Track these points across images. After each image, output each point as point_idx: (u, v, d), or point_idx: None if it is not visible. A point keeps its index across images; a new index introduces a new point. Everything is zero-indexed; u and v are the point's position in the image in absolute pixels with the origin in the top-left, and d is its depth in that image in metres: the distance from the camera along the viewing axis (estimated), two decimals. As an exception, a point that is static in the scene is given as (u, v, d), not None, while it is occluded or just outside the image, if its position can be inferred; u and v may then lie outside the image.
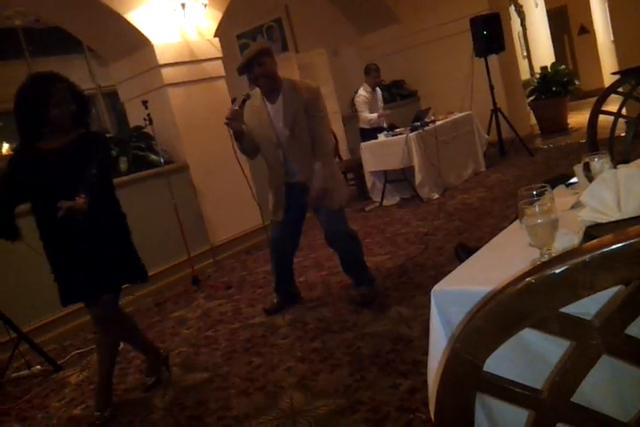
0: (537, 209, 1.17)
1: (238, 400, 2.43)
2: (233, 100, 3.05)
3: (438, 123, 5.81)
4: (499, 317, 0.71)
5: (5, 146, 9.90)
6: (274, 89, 3.00)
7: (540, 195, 1.19)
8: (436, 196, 5.40)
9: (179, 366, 2.93)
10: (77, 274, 2.43)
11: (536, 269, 0.66)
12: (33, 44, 9.27)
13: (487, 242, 1.62)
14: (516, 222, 1.74)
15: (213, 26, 5.29)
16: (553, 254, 1.19)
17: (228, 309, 3.65)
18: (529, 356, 1.16)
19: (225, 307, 3.71)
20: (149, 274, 4.11)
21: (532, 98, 8.18)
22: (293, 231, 3.29)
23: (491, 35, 6.48)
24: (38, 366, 3.27)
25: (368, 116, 5.91)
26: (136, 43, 4.89)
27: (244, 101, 3.03)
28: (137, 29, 4.74)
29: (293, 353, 2.76)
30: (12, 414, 2.82)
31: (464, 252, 2.46)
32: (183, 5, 4.91)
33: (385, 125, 6.08)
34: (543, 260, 1.21)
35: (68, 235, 2.41)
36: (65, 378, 3.12)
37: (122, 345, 2.88)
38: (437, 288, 1.56)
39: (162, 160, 4.53)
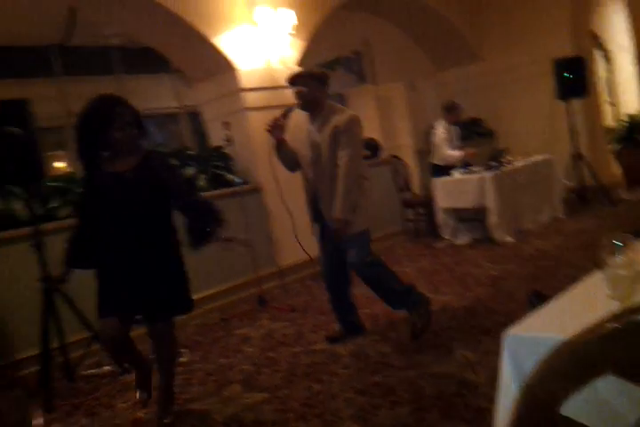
0: (619, 260, 1.15)
1: (296, 425, 2.46)
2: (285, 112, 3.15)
3: (516, 164, 5.73)
4: (581, 360, 0.71)
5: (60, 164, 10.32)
6: (312, 110, 3.12)
7: (623, 246, 1.16)
8: (510, 239, 5.29)
9: (239, 383, 3.00)
10: (141, 292, 2.47)
11: (622, 315, 0.66)
12: (124, 63, 9.88)
13: (562, 291, 1.60)
14: (597, 273, 1.71)
15: (296, 55, 5.49)
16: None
17: (291, 332, 3.70)
18: (600, 407, 1.13)
19: (288, 330, 3.76)
20: (217, 290, 4.26)
21: (616, 146, 7.92)
22: (338, 262, 3.24)
23: (574, 78, 6.35)
24: (107, 367, 3.43)
25: (449, 153, 5.85)
26: (221, 66, 5.15)
27: (286, 113, 3.12)
28: (223, 54, 5.00)
29: (353, 384, 2.76)
30: (81, 408, 2.97)
31: (538, 299, 2.40)
32: (268, 34, 5.13)
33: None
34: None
35: (135, 257, 2.44)
36: (131, 381, 3.24)
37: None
38: (510, 333, 1.55)
39: (238, 180, 4.72)
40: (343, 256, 3.18)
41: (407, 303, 3.24)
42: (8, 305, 3.56)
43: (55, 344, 3.31)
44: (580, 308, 1.47)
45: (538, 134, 6.94)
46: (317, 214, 3.22)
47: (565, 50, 6.90)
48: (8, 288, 3.59)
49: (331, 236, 3.13)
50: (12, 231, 3.70)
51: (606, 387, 0.83)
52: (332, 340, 3.39)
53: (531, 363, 1.46)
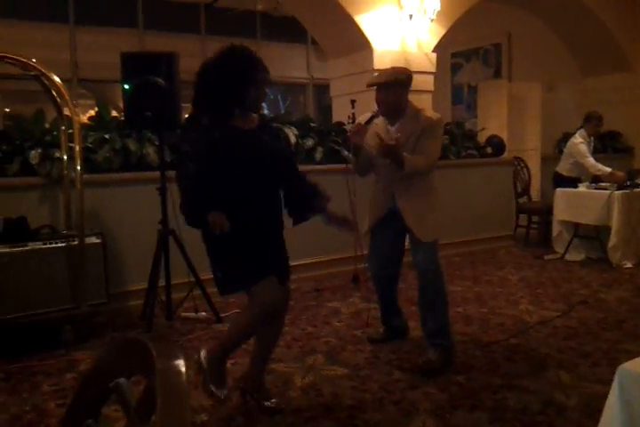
0: None
1: (372, 406, 2.48)
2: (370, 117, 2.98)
3: (651, 187, 5.31)
4: None
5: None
6: (395, 115, 2.94)
7: None
8: (629, 265, 4.93)
9: (323, 354, 3.06)
10: (280, 252, 2.47)
11: None
12: (264, 29, 10.13)
13: None
14: None
15: (434, 40, 5.36)
16: None
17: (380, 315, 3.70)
18: None
19: (377, 312, 3.75)
20: (315, 261, 4.30)
21: None
22: (392, 259, 3.12)
23: None
24: (204, 313, 3.63)
25: (597, 166, 5.47)
26: (357, 44, 5.13)
27: (371, 118, 2.94)
28: (362, 32, 4.98)
29: (435, 379, 2.73)
30: (174, 347, 3.16)
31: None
32: (411, 17, 5.04)
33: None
34: None
35: (272, 216, 2.41)
36: (223, 331, 3.40)
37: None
38: (627, 367, 1.46)
39: (353, 158, 4.72)
40: (401, 254, 3.12)
41: (442, 334, 2.97)
42: (128, 240, 3.85)
43: (161, 283, 3.55)
44: None
45: (682, 159, 6.35)
46: (390, 214, 3.02)
47: None
48: (130, 225, 3.87)
49: (401, 228, 2.98)
50: (142, 173, 3.96)
51: None
52: (372, 340, 3.25)
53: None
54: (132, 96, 3.45)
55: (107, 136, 3.93)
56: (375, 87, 2.95)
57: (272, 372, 2.82)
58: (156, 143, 3.82)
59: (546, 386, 2.64)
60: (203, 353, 2.34)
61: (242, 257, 2.32)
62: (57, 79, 3.39)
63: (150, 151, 4.03)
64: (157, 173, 3.60)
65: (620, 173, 5.34)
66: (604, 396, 1.47)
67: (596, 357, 2.96)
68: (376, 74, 3.16)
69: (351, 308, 3.90)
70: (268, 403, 2.45)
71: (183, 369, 0.77)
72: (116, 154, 3.93)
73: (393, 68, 3.06)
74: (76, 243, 3.28)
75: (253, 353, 2.51)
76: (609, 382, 1.46)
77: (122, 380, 0.87)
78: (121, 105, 3.61)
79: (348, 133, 2.98)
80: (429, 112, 2.99)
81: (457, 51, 8.94)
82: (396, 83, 2.89)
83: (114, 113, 4.61)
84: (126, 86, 3.45)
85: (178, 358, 0.79)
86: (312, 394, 2.60)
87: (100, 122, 4.10)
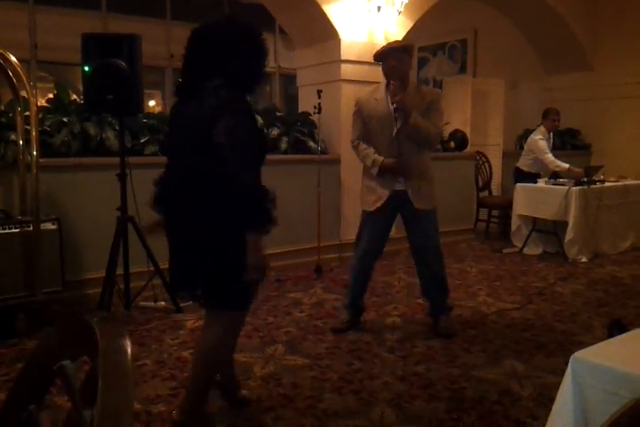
0: None
1: (331, 396, 2.48)
2: None
3: (607, 184, 5.46)
4: None
5: (152, 102, 10.59)
6: (400, 85, 2.99)
7: None
8: (584, 259, 5.07)
9: (284, 344, 3.05)
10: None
11: None
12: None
13: (627, 324, 1.51)
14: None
15: (402, 33, 5.38)
16: None
17: (342, 306, 3.71)
18: None
19: (339, 303, 3.77)
20: (278, 251, 4.27)
21: None
22: (384, 235, 3.23)
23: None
24: (163, 303, 3.57)
25: (556, 162, 5.57)
26: (325, 34, 5.12)
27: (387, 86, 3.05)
28: (330, 22, 4.97)
29: (395, 370, 2.75)
30: (132, 336, 3.10)
31: (619, 329, 2.29)
32: (379, 8, 5.05)
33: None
34: None
35: None
36: (182, 321, 3.37)
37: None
38: (580, 356, 1.49)
39: (319, 149, 4.75)
40: (386, 241, 3.25)
41: (447, 301, 3.28)
42: (85, 227, 3.75)
43: (120, 272, 3.47)
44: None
45: (637, 158, 6.55)
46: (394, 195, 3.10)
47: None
48: (88, 212, 3.77)
49: (401, 204, 3.09)
50: (100, 158, 3.86)
51: None
52: (336, 331, 3.24)
53: (594, 390, 1.40)
54: (92, 78, 3.35)
55: (65, 119, 3.82)
56: (379, 62, 3.07)
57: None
58: (117, 128, 3.72)
59: (502, 376, 2.69)
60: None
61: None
62: (14, 59, 3.26)
63: (110, 136, 3.94)
64: (117, 159, 3.51)
65: (578, 170, 5.47)
66: (558, 385, 1.50)
67: (550, 348, 3.04)
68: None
69: (313, 298, 3.90)
70: (244, 392, 2.43)
71: (128, 349, 0.74)
72: (74, 138, 3.82)
73: (396, 41, 3.17)
74: (30, 229, 3.18)
75: None
76: (562, 373, 1.49)
77: (66, 362, 0.83)
78: (81, 88, 3.50)
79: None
80: (427, 87, 3.10)
81: (424, 45, 8.99)
82: (406, 48, 3.00)
83: (73, 97, 4.47)
84: (86, 68, 3.34)
85: (122, 337, 0.76)
86: (272, 384, 2.59)
87: (58, 105, 3.97)
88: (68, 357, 0.85)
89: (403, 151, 3.04)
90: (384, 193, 3.09)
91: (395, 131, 3.03)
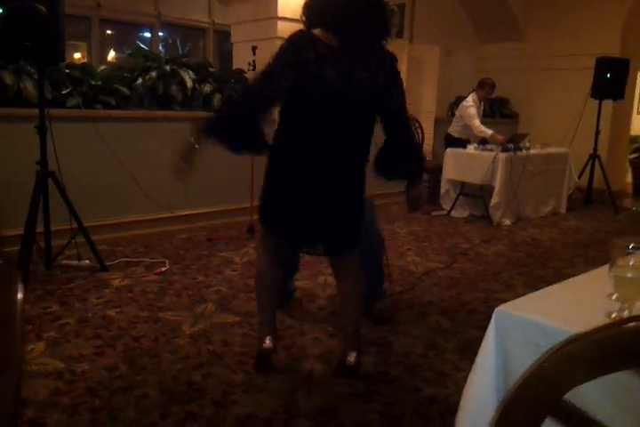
0: (631, 262, 1.14)
1: (262, 352, 2.49)
2: None
3: (532, 151, 5.67)
4: (604, 350, 0.70)
5: (112, 54, 10.12)
6: None
7: (636, 249, 1.15)
8: (508, 222, 5.28)
9: (214, 303, 3.02)
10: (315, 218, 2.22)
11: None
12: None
13: (545, 282, 1.59)
14: (602, 269, 1.70)
15: (342, -7, 5.27)
16: (633, 311, 1.17)
17: (274, 265, 3.71)
18: (627, 399, 1.12)
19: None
20: (210, 210, 4.20)
21: (635, 155, 7.85)
22: None
23: (614, 79, 6.16)
24: (87, 261, 3.44)
25: (481, 127, 5.68)
26: (262, -11, 4.95)
27: None
28: None
29: (324, 326, 2.79)
30: (54, 295, 2.98)
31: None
32: None
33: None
34: (621, 314, 1.18)
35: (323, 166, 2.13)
36: (108, 280, 3.26)
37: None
38: (503, 309, 1.54)
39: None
40: None
41: (382, 286, 3.05)
42: (1, 182, 3.52)
43: (40, 230, 3.30)
44: (576, 299, 1.47)
45: (561, 127, 6.83)
46: None
47: (612, 49, 6.70)
48: (5, 165, 3.53)
49: None
50: (18, 109, 3.61)
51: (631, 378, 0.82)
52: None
53: (516, 342, 1.46)
54: (7, 22, 3.06)
55: (-23, 67, 3.52)
56: None
57: (159, 320, 2.75)
58: (36, 77, 3.46)
59: (427, 332, 2.78)
60: None
61: (267, 193, 2.18)
62: None
63: (29, 86, 3.67)
64: (36, 111, 3.27)
65: (500, 136, 5.63)
66: (480, 339, 1.56)
67: (473, 305, 3.17)
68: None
69: (245, 258, 3.86)
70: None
71: (18, 294, 0.69)
72: (-12, 87, 3.54)
73: None
74: (-62, 182, 2.94)
75: None
76: (484, 328, 1.54)
77: None
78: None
79: None
80: None
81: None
82: None
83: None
84: (0, 10, 3.06)
85: (11, 281, 0.70)
86: (201, 342, 2.56)
87: (-32, 50, 3.64)
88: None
89: None
90: None
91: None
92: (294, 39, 2.00)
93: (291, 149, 2.12)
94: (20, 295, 0.68)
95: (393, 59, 2.11)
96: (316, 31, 2.02)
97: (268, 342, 2.31)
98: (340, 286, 2.37)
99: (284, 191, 2.13)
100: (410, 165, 2.28)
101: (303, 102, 2.06)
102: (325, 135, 2.07)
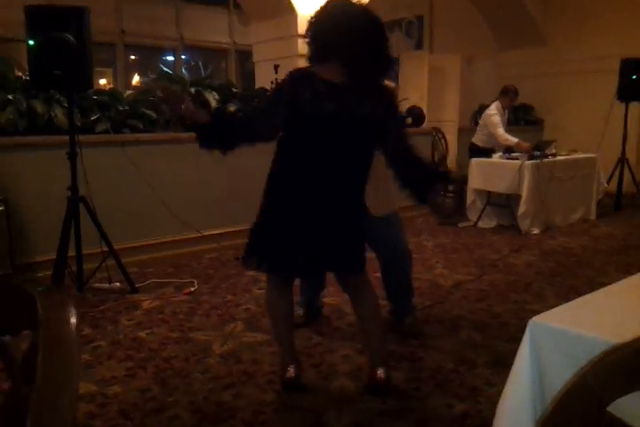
0: None
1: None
2: None
3: (558, 158, 5.59)
4: None
5: (136, 78, 10.37)
6: None
7: None
8: (536, 231, 5.21)
9: (243, 322, 3.04)
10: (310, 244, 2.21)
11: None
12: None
13: (578, 292, 1.55)
14: (637, 276, 1.66)
15: (358, 9, 5.32)
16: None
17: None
18: None
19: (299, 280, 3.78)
20: (237, 229, 4.27)
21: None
22: None
23: None
24: (118, 284, 3.50)
25: (506, 136, 5.62)
26: (282, 8, 5.03)
27: None
28: None
29: (353, 343, 2.77)
30: (86, 318, 3.04)
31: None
32: None
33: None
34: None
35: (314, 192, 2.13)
36: (138, 302, 3.32)
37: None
38: (537, 321, 1.52)
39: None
40: None
41: (411, 303, 3.02)
42: (34, 208, 3.62)
43: (72, 253, 3.38)
44: (612, 308, 1.43)
45: (588, 132, 6.74)
46: None
47: (637, 50, 6.59)
48: (37, 192, 3.64)
49: None
50: (49, 137, 3.72)
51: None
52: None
53: (551, 354, 1.43)
54: (37, 53, 3.19)
55: (10, 97, 3.65)
56: None
57: (189, 340, 2.78)
58: (65, 105, 3.58)
59: (458, 346, 2.75)
60: None
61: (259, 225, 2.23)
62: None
63: (59, 113, 3.79)
64: (66, 137, 3.38)
65: (526, 144, 5.57)
66: (512, 353, 1.54)
67: (505, 317, 3.12)
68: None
69: (272, 275, 3.88)
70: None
71: (72, 319, 0.71)
72: (21, 116, 3.66)
73: None
74: (-25, 211, 3.05)
75: None
76: (517, 340, 1.52)
77: (6, 337, 0.79)
78: (26, 66, 3.34)
79: None
80: None
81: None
82: None
83: (18, 73, 4.27)
84: (31, 42, 3.18)
85: (65, 307, 0.72)
86: (231, 361, 2.58)
87: (2, 82, 3.78)
88: (7, 331, 0.81)
89: None
90: None
91: None
92: (295, 74, 2.09)
93: (286, 179, 2.16)
94: (73, 320, 0.71)
95: (390, 93, 2.19)
96: (317, 68, 2.08)
97: (291, 371, 2.31)
98: (355, 312, 2.40)
99: (278, 219, 2.15)
100: (417, 174, 2.23)
101: (297, 137, 2.11)
102: (321, 172, 2.09)
